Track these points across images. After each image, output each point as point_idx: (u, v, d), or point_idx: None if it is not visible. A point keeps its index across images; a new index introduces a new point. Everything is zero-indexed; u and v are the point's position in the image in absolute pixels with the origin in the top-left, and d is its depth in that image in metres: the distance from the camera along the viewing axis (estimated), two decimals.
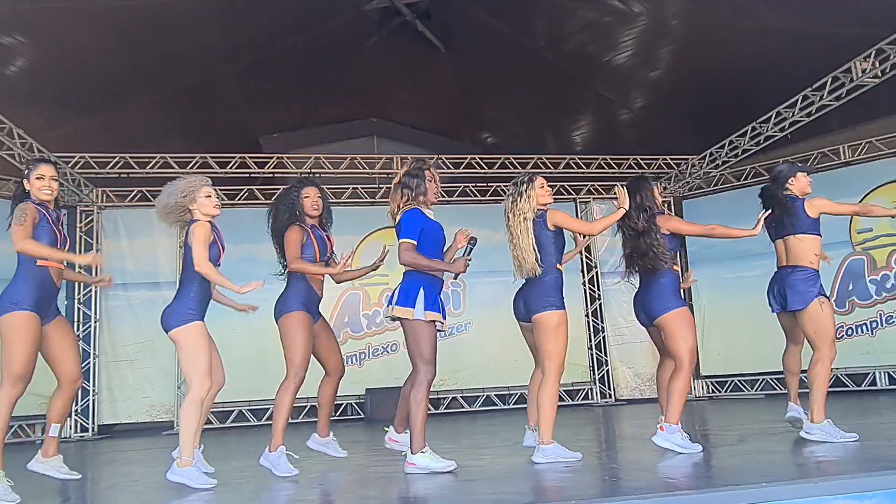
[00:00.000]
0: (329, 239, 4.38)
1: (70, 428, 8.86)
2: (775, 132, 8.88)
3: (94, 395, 8.99)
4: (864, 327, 9.06)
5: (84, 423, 8.97)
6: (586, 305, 10.37)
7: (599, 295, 10.42)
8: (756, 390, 9.79)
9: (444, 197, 10.25)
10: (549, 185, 4.29)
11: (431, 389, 4.01)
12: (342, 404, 9.56)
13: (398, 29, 9.68)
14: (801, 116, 8.46)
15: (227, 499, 3.65)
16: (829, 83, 7.94)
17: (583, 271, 10.40)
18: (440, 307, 3.99)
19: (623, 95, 10.68)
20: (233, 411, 9.29)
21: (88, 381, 8.97)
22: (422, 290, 3.91)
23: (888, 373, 8.94)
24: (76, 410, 8.94)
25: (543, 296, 4.08)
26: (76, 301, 9.09)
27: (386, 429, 4.39)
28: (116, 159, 8.83)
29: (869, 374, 9.02)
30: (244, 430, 8.90)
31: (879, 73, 7.47)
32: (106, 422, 9.16)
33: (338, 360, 4.38)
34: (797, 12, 7.89)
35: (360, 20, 9.47)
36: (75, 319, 8.93)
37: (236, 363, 8.47)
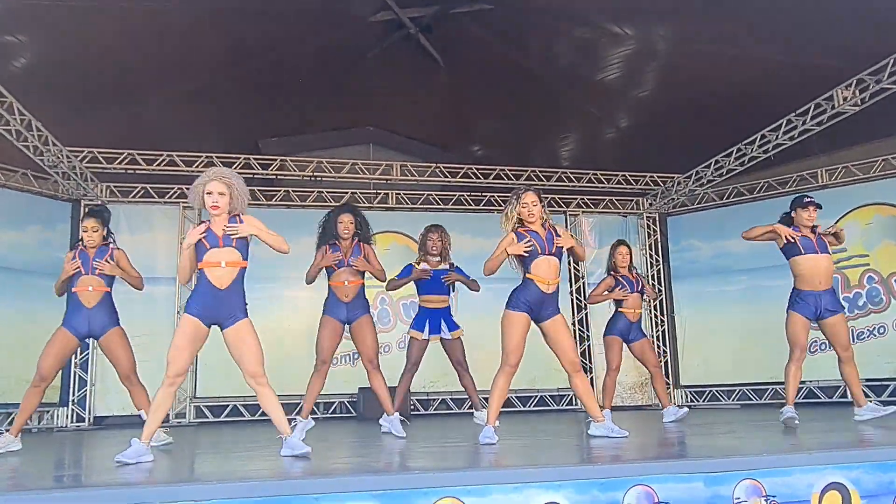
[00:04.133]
0: (363, 248, 5.46)
1: (67, 417, 9.04)
2: (759, 153, 9.26)
3: (91, 386, 9.17)
4: None
5: (80, 414, 9.16)
6: (573, 314, 10.70)
7: (586, 304, 10.72)
8: (733, 400, 10.17)
9: (439, 205, 10.64)
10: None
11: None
12: (334, 402, 9.81)
13: (399, 41, 9.98)
14: (784, 140, 8.85)
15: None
16: (811, 109, 8.35)
17: (570, 281, 10.73)
18: (428, 327, 6.25)
19: (611, 114, 11.04)
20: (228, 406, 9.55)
21: (86, 372, 9.16)
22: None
23: None
24: (72, 401, 9.13)
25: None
26: None
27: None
28: (124, 155, 9.05)
29: (840, 386, 9.38)
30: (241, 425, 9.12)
31: (859, 102, 7.86)
32: (99, 413, 9.33)
33: (366, 353, 5.28)
34: (780, 44, 8.29)
35: (363, 32, 9.77)
36: None
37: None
